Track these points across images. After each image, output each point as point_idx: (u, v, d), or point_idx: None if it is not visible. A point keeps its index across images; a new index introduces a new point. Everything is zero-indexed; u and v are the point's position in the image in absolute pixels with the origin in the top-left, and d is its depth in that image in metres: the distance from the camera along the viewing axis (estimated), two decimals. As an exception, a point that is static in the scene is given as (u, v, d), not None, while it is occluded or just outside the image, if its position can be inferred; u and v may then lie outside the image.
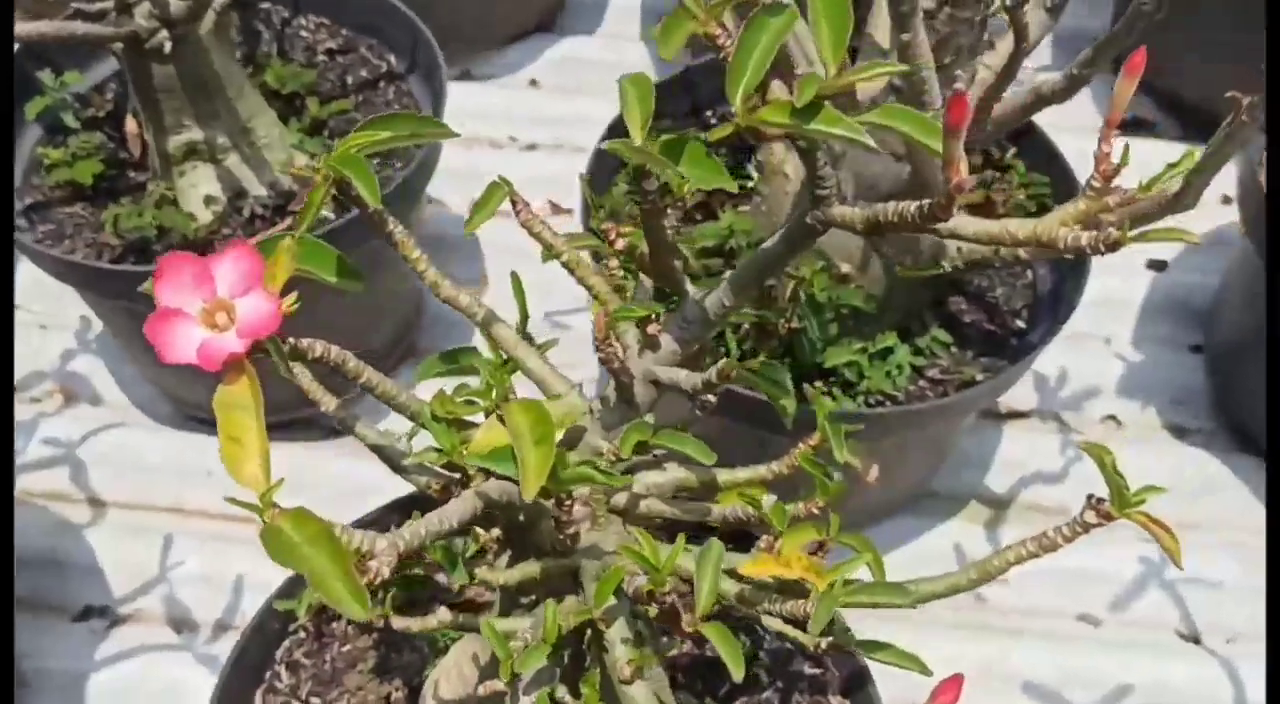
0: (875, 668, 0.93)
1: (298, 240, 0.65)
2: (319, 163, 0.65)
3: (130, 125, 1.30)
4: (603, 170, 1.22)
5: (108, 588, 1.30)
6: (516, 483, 0.63)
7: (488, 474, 0.69)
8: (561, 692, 0.67)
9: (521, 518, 0.68)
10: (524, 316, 0.77)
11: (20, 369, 1.46)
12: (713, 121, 1.31)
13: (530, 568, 0.67)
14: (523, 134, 1.67)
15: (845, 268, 1.07)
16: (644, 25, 1.85)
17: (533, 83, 1.76)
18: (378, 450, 0.75)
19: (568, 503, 0.61)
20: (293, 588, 0.97)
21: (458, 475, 0.70)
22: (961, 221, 0.55)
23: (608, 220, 1.20)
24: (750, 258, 0.64)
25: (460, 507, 0.61)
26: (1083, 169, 1.24)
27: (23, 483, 1.37)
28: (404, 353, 1.46)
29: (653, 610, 0.64)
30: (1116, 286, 1.49)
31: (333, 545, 0.49)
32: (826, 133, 0.53)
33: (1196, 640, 1.28)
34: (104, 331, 1.48)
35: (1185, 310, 1.50)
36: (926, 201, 0.53)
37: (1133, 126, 1.70)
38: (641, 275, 0.81)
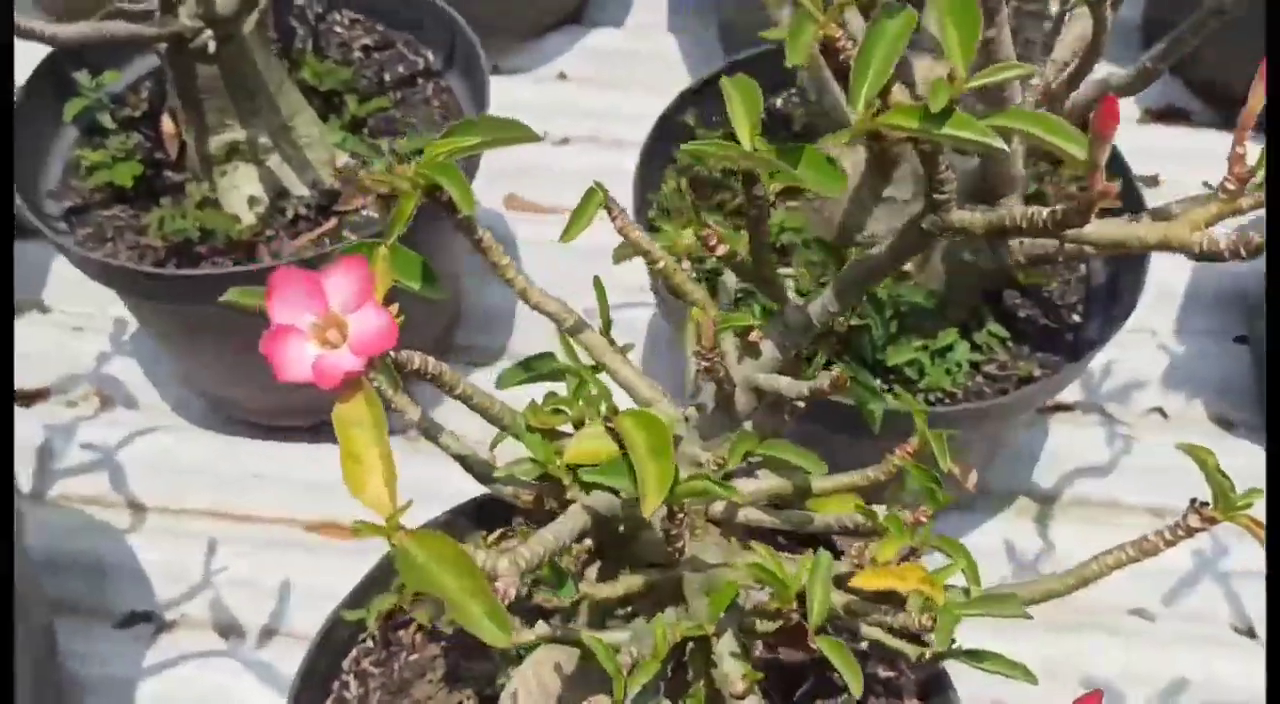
0: (951, 669, 0.92)
1: (391, 249, 0.64)
2: (383, 167, 0.64)
3: (167, 125, 1.28)
4: (651, 167, 1.21)
5: (151, 593, 1.29)
6: (619, 495, 0.63)
7: (584, 486, 0.68)
8: (664, 705, 0.66)
9: (622, 529, 0.67)
10: (607, 323, 0.76)
11: (56, 372, 1.44)
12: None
13: (634, 581, 0.66)
14: (556, 128, 1.66)
15: (906, 265, 1.06)
16: (671, 15, 1.83)
17: (562, 76, 1.74)
18: (462, 460, 0.74)
19: (680, 516, 0.60)
20: (359, 598, 0.96)
21: (551, 487, 0.69)
22: (1092, 227, 0.53)
23: (661, 219, 1.20)
24: (856, 263, 0.63)
25: (571, 522, 0.60)
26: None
27: (62, 487, 1.35)
28: (443, 350, 1.45)
29: (765, 625, 0.63)
30: (1161, 278, 1.48)
31: (466, 566, 0.48)
32: (958, 137, 0.51)
33: (1251, 634, 1.27)
34: (138, 333, 1.46)
35: (1230, 301, 1.49)
36: (1060, 208, 0.52)
37: (1168, 115, 1.69)
38: (723, 280, 0.80)
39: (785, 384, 0.64)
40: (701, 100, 1.24)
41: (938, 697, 0.89)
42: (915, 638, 0.65)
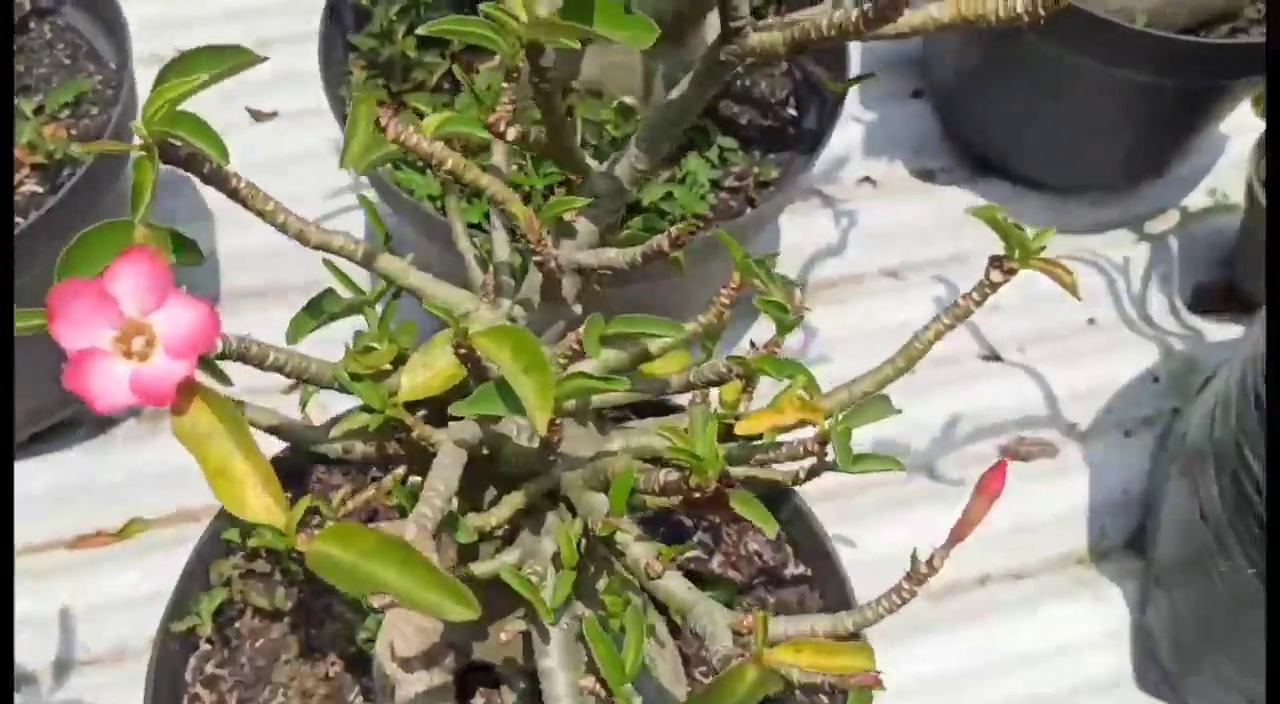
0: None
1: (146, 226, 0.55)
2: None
3: None
4: (332, 62, 1.11)
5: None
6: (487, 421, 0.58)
7: (428, 419, 0.63)
8: (578, 609, 0.64)
9: (484, 451, 0.63)
10: (386, 237, 0.70)
11: None
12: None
13: (515, 499, 0.62)
14: (186, 39, 1.49)
15: (629, 100, 1.03)
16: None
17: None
18: (276, 432, 0.67)
19: (557, 422, 0.56)
20: (179, 605, 0.87)
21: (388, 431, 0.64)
22: (902, 20, 0.52)
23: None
24: (658, 111, 0.59)
25: (451, 462, 0.55)
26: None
27: None
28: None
29: (655, 501, 0.62)
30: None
31: (402, 553, 0.43)
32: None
33: (998, 357, 1.38)
34: None
35: (898, 63, 1.56)
36: (869, 4, 0.51)
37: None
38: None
39: (612, 255, 0.61)
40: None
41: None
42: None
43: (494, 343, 0.53)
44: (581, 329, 0.59)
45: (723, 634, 0.55)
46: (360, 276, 0.70)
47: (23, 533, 1.19)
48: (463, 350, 0.54)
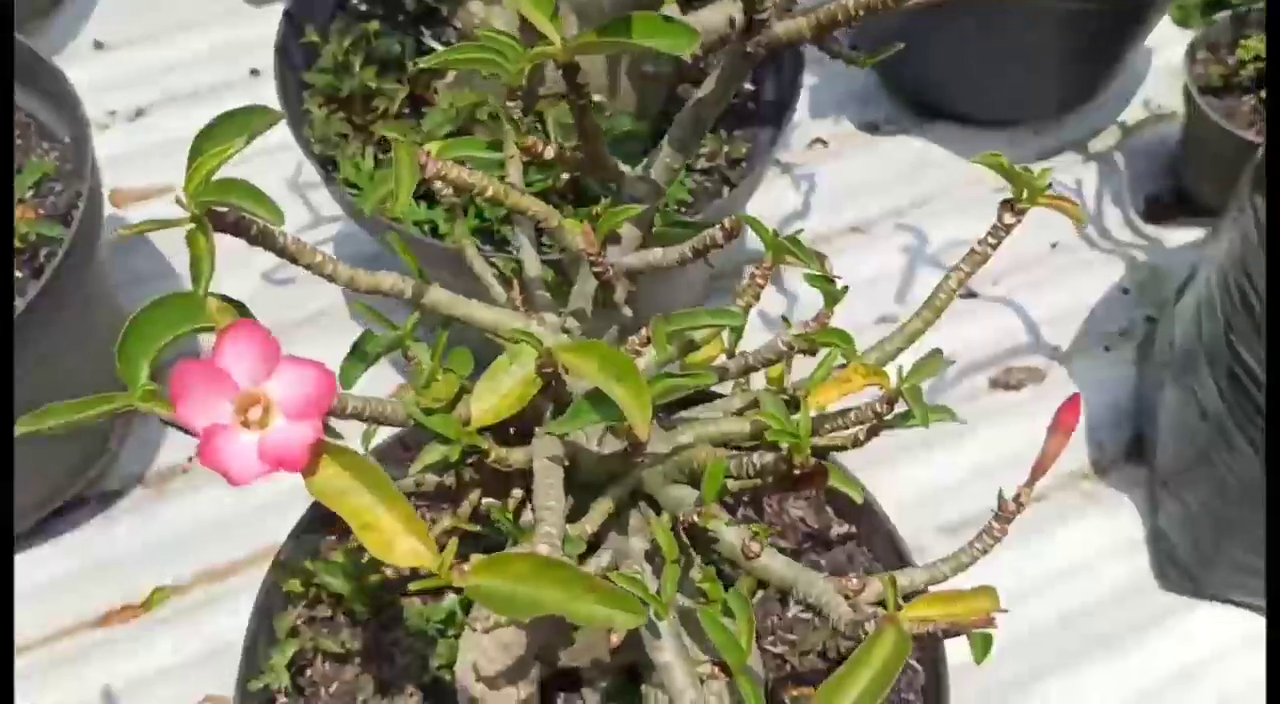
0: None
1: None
2: (188, 201, 0.55)
3: None
4: (290, 102, 1.10)
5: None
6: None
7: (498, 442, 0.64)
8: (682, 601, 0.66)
9: (565, 464, 0.64)
10: (420, 272, 0.70)
11: None
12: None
13: (603, 505, 0.64)
14: (119, 103, 1.47)
15: (598, 98, 1.04)
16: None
17: (97, 45, 1.53)
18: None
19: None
20: (250, 663, 0.87)
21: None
22: (918, -10, 0.54)
23: (332, 151, 1.10)
24: (687, 109, 0.61)
25: (553, 478, 0.56)
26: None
27: None
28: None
29: (749, 483, 0.63)
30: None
31: (561, 572, 0.44)
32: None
33: (974, 295, 1.42)
34: None
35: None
36: (894, -17, 0.52)
37: None
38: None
39: (659, 255, 0.62)
40: (310, 14, 1.14)
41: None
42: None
43: (580, 357, 0.54)
44: (647, 330, 0.60)
45: (837, 601, 0.57)
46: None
47: (48, 618, 1.18)
48: (548, 369, 0.55)
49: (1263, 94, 1.31)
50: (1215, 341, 1.08)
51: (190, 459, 1.27)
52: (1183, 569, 1.23)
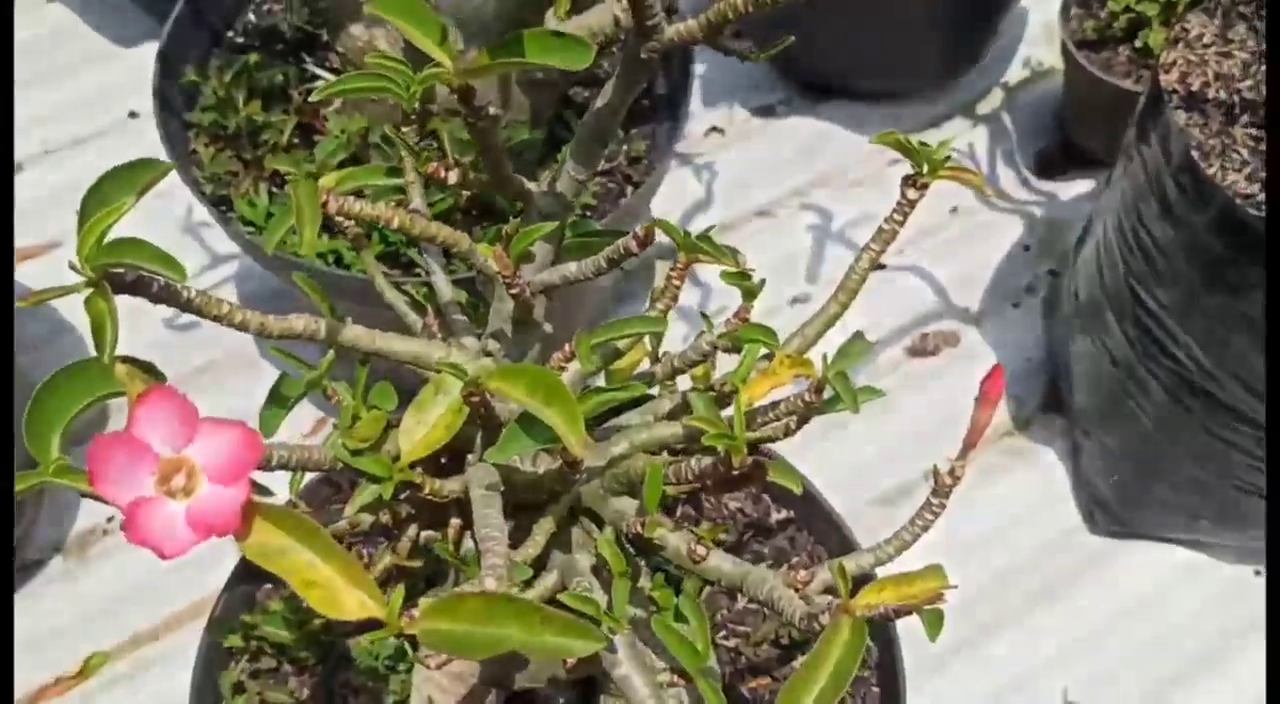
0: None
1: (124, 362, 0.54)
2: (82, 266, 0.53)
3: None
4: (175, 143, 1.07)
5: None
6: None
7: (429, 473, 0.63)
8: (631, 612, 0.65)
9: (501, 488, 0.63)
10: (330, 309, 0.69)
11: None
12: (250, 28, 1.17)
13: (546, 525, 0.63)
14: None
15: (492, 110, 1.03)
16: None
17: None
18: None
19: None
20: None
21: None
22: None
23: (223, 189, 1.07)
24: (588, 120, 0.60)
25: (491, 508, 0.56)
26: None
27: None
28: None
29: (688, 487, 0.63)
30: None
31: (514, 607, 0.43)
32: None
33: (882, 266, 1.44)
34: None
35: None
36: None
37: None
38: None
39: (573, 269, 0.62)
40: (184, 50, 1.11)
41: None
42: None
43: (507, 382, 0.53)
44: (570, 346, 0.60)
45: (789, 596, 0.57)
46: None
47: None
48: (475, 397, 0.54)
49: (1136, 44, 1.35)
50: (1117, 289, 1.11)
51: (109, 519, 1.23)
52: (1110, 513, 1.26)
